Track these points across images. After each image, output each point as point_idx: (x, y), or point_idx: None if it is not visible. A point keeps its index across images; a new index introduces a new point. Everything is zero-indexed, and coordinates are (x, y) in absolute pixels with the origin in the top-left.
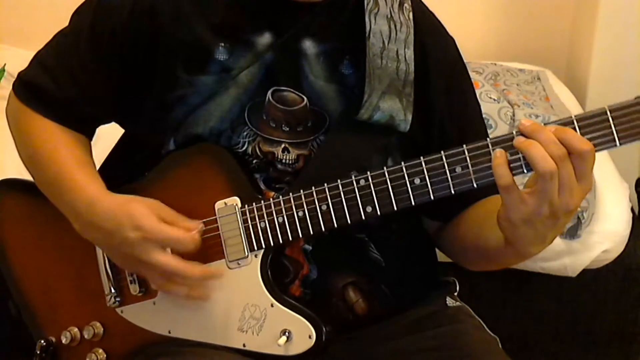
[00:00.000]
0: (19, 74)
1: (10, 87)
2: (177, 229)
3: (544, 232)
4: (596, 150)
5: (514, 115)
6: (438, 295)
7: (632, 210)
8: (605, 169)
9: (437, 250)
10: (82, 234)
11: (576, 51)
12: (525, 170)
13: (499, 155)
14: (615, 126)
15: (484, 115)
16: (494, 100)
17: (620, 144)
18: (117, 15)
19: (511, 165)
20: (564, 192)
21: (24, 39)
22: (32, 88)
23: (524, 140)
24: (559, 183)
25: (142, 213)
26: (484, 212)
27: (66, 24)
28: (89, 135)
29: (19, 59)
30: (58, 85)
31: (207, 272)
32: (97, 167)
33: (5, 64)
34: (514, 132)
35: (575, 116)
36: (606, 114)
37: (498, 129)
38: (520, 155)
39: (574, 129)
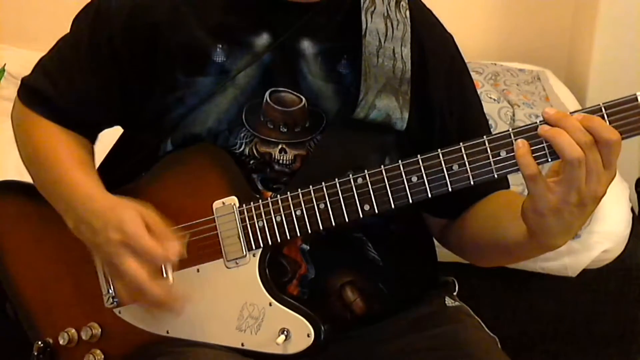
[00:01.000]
0: (23, 79)
1: (10, 87)
2: (154, 242)
3: (572, 221)
4: None
5: (514, 115)
6: (437, 295)
7: (632, 210)
8: None
9: (436, 249)
10: (74, 231)
11: (576, 51)
12: (550, 159)
13: (521, 146)
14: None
15: None
16: (494, 100)
17: None
18: (115, 20)
19: (535, 154)
20: (591, 178)
21: (24, 39)
22: (34, 92)
23: (549, 129)
24: (587, 170)
25: (130, 216)
26: (498, 207)
27: (66, 24)
28: (91, 138)
29: (19, 59)
30: (58, 91)
31: (170, 296)
32: (97, 167)
33: (5, 64)
34: (510, 130)
35: (570, 113)
36: (601, 110)
37: (498, 129)
38: (544, 144)
39: (602, 117)
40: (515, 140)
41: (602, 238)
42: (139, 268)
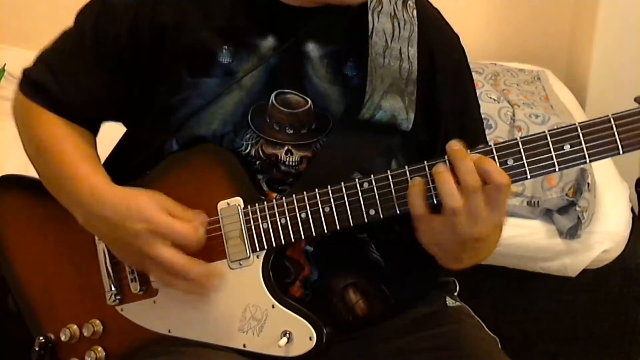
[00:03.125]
0: (24, 70)
1: (10, 87)
2: (184, 224)
3: (456, 253)
4: (600, 159)
5: (514, 115)
6: (438, 295)
7: (632, 210)
8: (605, 169)
9: None
10: (86, 226)
11: (576, 51)
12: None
13: (416, 184)
14: (619, 134)
15: (483, 116)
16: (494, 100)
17: (623, 152)
18: (121, 19)
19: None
20: (469, 222)
21: (24, 39)
22: (36, 86)
23: (439, 173)
24: (465, 214)
25: (149, 205)
26: None
27: (66, 24)
28: (94, 130)
29: (19, 59)
30: (61, 87)
31: (210, 270)
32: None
33: (5, 64)
34: (519, 139)
35: (578, 123)
36: (610, 122)
37: (498, 129)
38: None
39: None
40: (524, 148)
41: (602, 238)
42: (175, 252)
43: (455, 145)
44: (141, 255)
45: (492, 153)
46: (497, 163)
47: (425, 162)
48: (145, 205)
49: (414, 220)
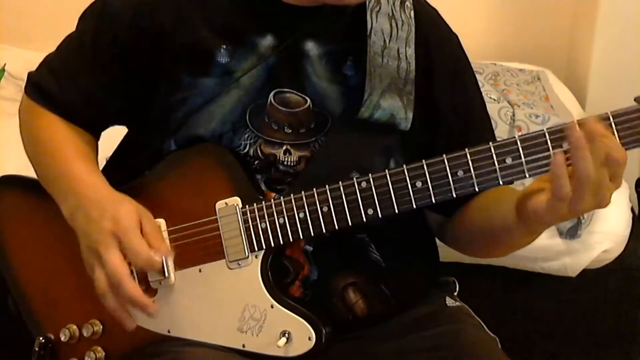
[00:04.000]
0: (29, 74)
1: (10, 87)
2: (143, 243)
3: (563, 219)
4: None
5: (514, 115)
6: (438, 295)
7: (632, 210)
8: None
9: (438, 250)
10: (69, 220)
11: (576, 51)
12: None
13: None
14: (617, 132)
15: None
16: (494, 100)
17: None
18: (120, 20)
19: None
20: (599, 192)
21: (24, 39)
22: (39, 88)
23: (580, 142)
24: (596, 183)
25: (127, 211)
26: (487, 200)
27: (66, 24)
28: (95, 134)
29: (19, 59)
30: (62, 89)
31: (140, 299)
32: (101, 167)
33: (5, 64)
34: (517, 137)
35: (576, 121)
36: (609, 119)
37: (498, 129)
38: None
39: (610, 125)
40: (523, 146)
41: (602, 238)
42: (123, 262)
43: (595, 123)
44: (95, 253)
45: (490, 151)
46: (496, 161)
47: (423, 161)
48: (123, 210)
49: (555, 202)
